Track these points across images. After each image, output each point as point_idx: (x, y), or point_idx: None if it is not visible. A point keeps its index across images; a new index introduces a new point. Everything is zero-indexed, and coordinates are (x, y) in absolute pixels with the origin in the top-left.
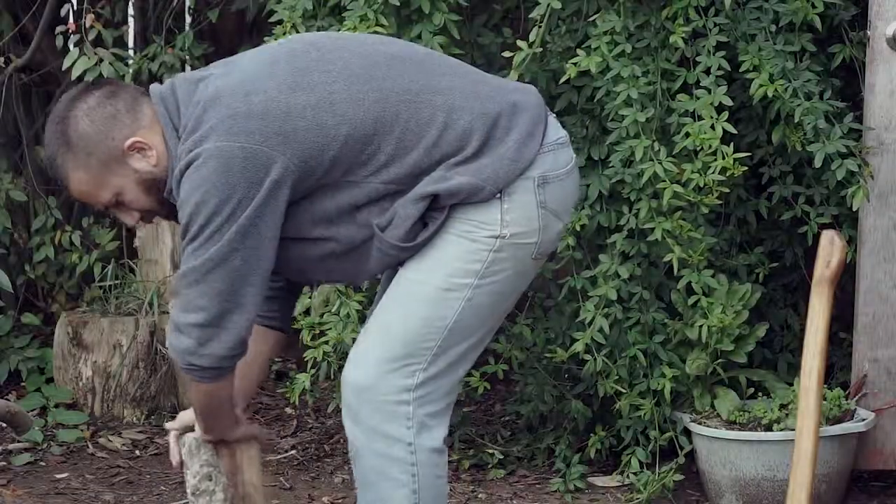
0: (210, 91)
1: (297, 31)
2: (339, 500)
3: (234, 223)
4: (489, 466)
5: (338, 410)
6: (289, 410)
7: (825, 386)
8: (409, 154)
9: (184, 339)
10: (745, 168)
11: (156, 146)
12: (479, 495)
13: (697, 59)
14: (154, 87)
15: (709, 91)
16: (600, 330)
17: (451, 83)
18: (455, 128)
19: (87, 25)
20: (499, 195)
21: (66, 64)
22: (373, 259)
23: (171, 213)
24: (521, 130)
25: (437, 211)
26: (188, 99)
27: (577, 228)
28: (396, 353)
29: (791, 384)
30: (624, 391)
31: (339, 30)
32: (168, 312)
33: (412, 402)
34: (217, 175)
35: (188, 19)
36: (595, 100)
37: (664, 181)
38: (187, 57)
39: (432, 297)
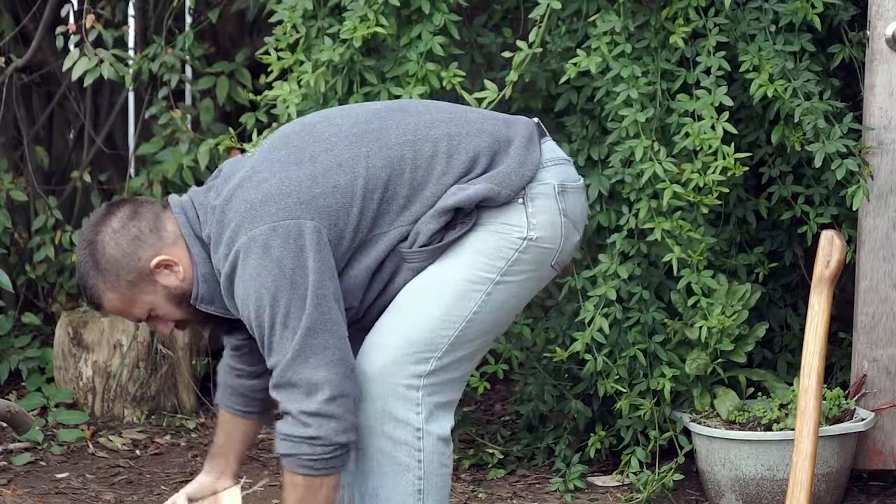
0: (223, 194)
1: (297, 31)
2: None
3: (303, 291)
4: (489, 466)
5: None
6: None
7: (825, 386)
8: (424, 190)
9: (325, 425)
10: (745, 168)
11: (181, 260)
12: (479, 495)
13: (697, 59)
14: (173, 198)
15: (709, 91)
16: (600, 330)
17: (441, 116)
18: (459, 152)
19: (88, 26)
20: (521, 200)
21: (67, 65)
22: (402, 279)
23: (203, 320)
24: (520, 137)
25: (466, 216)
26: (204, 207)
27: None
28: (414, 339)
29: (791, 384)
30: (624, 391)
31: (339, 30)
32: None
33: (422, 389)
34: (261, 261)
35: (188, 19)
36: (595, 100)
37: (664, 181)
38: (187, 57)
39: (455, 289)
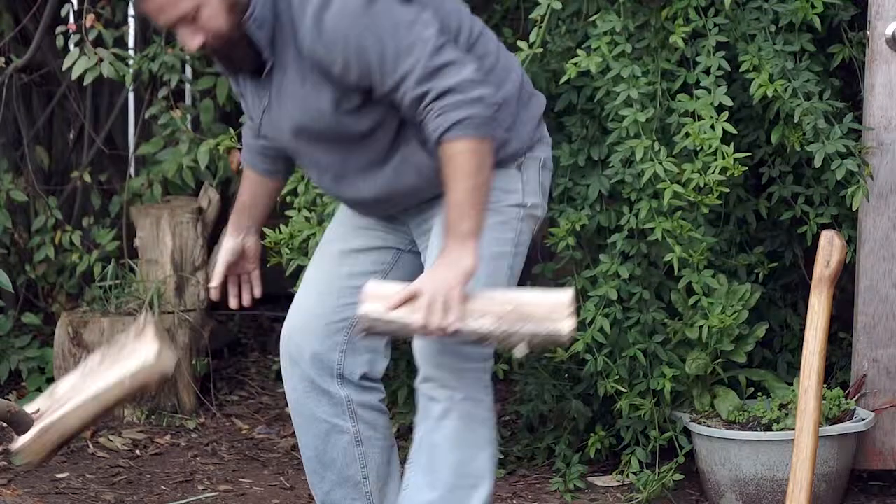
0: None
1: None
2: None
3: (416, 6)
4: None
5: None
6: (289, 410)
7: (825, 386)
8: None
9: (485, 88)
10: (745, 168)
11: None
12: None
13: (697, 59)
14: None
15: (709, 91)
16: (600, 330)
17: None
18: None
19: (88, 26)
20: (518, 166)
21: (67, 64)
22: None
23: (233, 47)
24: (538, 103)
25: None
26: None
27: (577, 228)
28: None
29: (791, 384)
30: (624, 391)
31: None
32: (169, 312)
33: (487, 371)
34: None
35: None
36: (595, 100)
37: (664, 181)
38: (187, 57)
39: (487, 268)
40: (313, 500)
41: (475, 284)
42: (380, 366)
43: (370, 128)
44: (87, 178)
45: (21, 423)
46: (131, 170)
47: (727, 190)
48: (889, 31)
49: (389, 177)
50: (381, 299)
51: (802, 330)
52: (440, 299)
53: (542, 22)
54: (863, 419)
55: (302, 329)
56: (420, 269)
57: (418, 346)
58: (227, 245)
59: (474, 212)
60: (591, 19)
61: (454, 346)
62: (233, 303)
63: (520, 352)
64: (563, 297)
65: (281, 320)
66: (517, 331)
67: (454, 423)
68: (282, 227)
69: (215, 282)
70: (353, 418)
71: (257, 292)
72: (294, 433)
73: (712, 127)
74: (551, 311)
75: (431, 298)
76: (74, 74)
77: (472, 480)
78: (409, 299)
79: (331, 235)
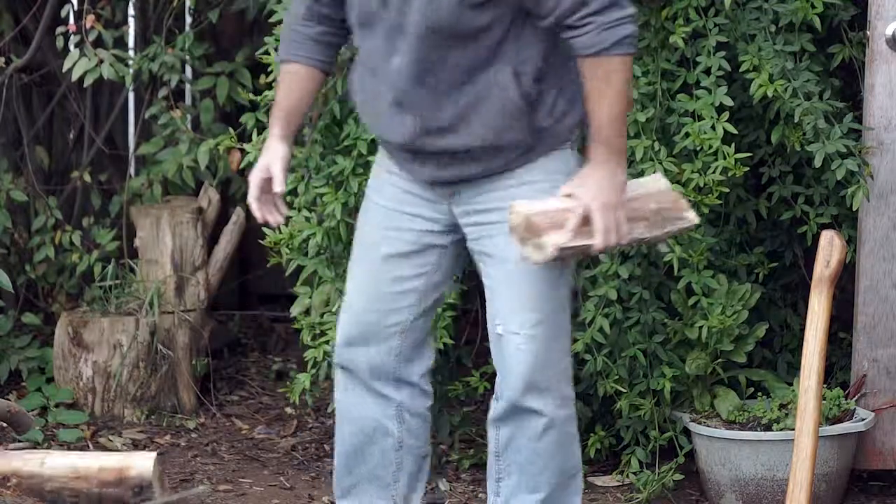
0: None
1: None
2: None
3: None
4: None
5: None
6: (289, 410)
7: (825, 386)
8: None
9: (630, 7)
10: (745, 168)
11: None
12: (480, 495)
13: (697, 59)
14: None
15: (709, 91)
16: (600, 330)
17: None
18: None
19: (88, 26)
20: (572, 144)
21: (67, 65)
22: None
23: None
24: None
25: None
26: None
27: None
28: (547, 322)
29: (791, 384)
30: (624, 391)
31: None
32: (169, 312)
33: (569, 367)
34: None
35: (188, 19)
36: None
37: None
38: (187, 57)
39: (550, 275)
40: (313, 500)
41: (550, 287)
42: (429, 363)
43: (483, 26)
44: (87, 178)
45: (21, 423)
46: (131, 170)
47: (727, 190)
48: (889, 31)
49: (471, 100)
50: (554, 227)
51: (802, 330)
52: (612, 219)
53: None
54: (863, 419)
55: (356, 339)
56: (460, 259)
57: (521, 360)
58: (276, 149)
59: (624, 128)
60: None
61: (558, 342)
62: (277, 218)
63: (665, 248)
64: (669, 185)
65: (281, 320)
66: (664, 230)
67: (555, 431)
68: (282, 227)
69: (253, 196)
70: (401, 423)
71: (284, 211)
72: (294, 433)
73: (712, 127)
74: (676, 204)
75: (605, 221)
76: (75, 76)
77: (572, 472)
78: (584, 223)
79: (370, 238)
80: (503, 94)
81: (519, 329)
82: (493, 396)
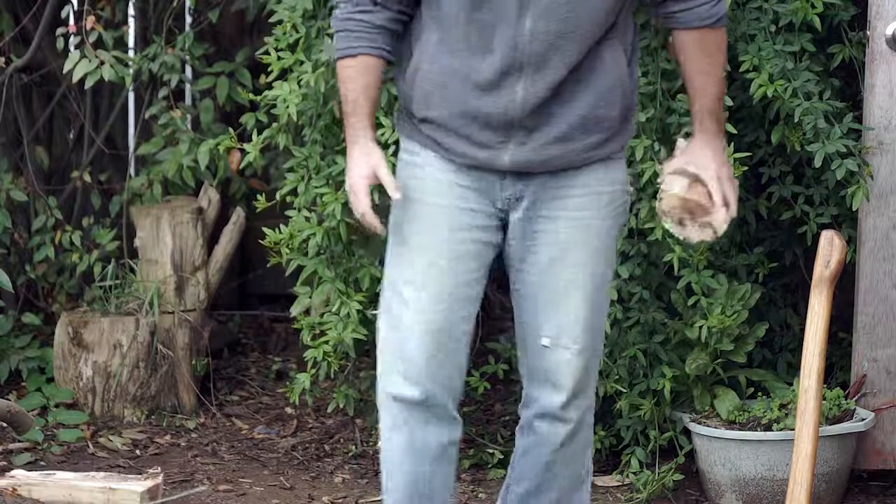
0: None
1: (297, 31)
2: (339, 500)
3: None
4: (489, 466)
5: (337, 410)
6: (289, 410)
7: (825, 386)
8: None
9: None
10: (745, 168)
11: None
12: (479, 495)
13: None
14: None
15: None
16: None
17: None
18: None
19: (88, 27)
20: (621, 153)
21: (67, 67)
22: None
23: None
24: None
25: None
26: None
27: None
28: (594, 331)
29: (791, 384)
30: (624, 391)
31: None
32: (169, 312)
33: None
34: None
35: (188, 19)
36: None
37: None
38: (188, 57)
39: (603, 287)
40: (313, 500)
41: (601, 297)
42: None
43: None
44: (87, 178)
45: (21, 423)
46: (131, 170)
47: None
48: (889, 31)
49: (586, 69)
50: (705, 204)
51: (802, 330)
52: (735, 190)
53: None
54: (863, 419)
55: (428, 362)
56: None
57: (568, 373)
58: (379, 156)
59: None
60: None
61: (601, 351)
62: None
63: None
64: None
65: (281, 320)
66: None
67: (581, 436)
68: (282, 226)
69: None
70: (455, 444)
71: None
72: (294, 433)
73: None
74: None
75: (737, 191)
76: (75, 77)
77: (584, 473)
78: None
79: (433, 246)
80: (614, 66)
81: (572, 344)
82: (522, 404)
